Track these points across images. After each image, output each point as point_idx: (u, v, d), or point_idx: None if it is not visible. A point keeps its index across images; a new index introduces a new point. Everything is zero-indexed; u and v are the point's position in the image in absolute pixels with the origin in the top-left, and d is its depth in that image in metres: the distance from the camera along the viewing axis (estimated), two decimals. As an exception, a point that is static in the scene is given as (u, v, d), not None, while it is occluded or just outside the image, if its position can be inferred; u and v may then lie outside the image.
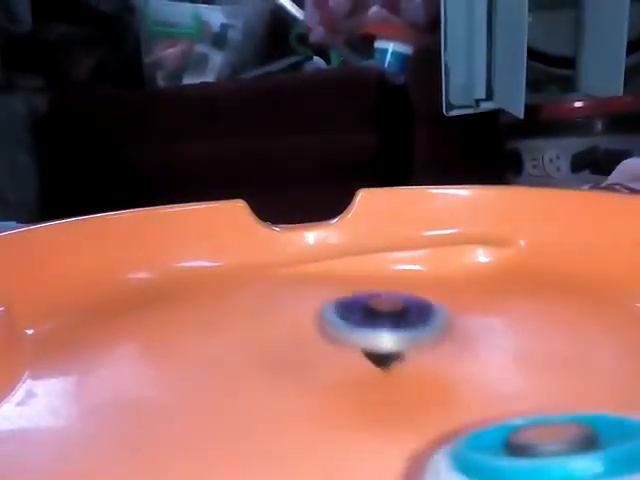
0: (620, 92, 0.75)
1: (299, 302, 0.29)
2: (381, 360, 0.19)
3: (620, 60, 0.73)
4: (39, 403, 0.20)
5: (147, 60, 1.30)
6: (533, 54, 0.80)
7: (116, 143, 1.17)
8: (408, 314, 0.19)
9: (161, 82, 1.30)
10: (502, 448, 0.12)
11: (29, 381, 0.21)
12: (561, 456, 0.10)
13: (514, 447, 0.11)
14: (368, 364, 0.19)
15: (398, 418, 0.18)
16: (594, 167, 0.82)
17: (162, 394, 0.21)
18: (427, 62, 0.96)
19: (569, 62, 0.86)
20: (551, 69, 0.89)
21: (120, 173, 1.16)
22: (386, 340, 0.18)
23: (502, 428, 0.12)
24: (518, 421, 0.12)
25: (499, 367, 0.22)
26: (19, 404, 0.20)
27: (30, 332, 0.25)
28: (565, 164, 0.84)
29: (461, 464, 0.11)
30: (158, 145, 1.15)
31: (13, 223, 0.43)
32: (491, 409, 0.17)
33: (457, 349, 0.21)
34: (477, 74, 0.84)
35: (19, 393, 0.20)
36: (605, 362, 0.22)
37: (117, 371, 0.23)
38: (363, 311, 0.19)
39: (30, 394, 0.20)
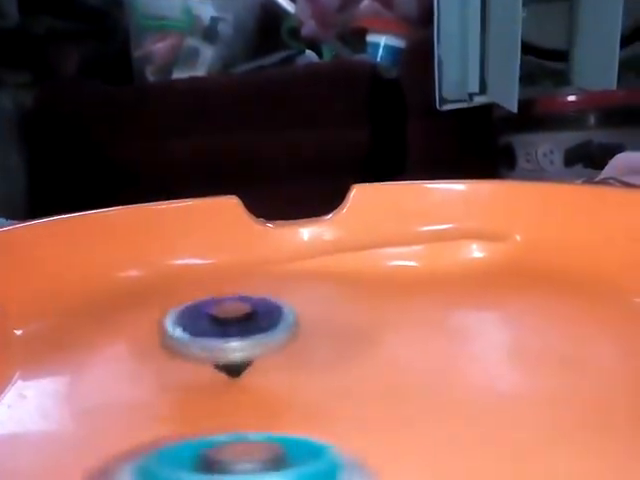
0: (614, 86, 0.75)
1: (294, 300, 0.29)
2: (231, 370, 0.18)
3: (614, 53, 0.73)
4: (30, 405, 0.20)
5: (136, 54, 1.29)
6: (527, 48, 0.80)
7: (105, 139, 1.16)
8: (255, 318, 0.18)
9: (151, 77, 1.29)
10: (194, 464, 0.11)
11: (19, 382, 0.21)
12: (252, 474, 0.11)
13: (207, 464, 0.11)
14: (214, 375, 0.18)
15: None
16: (587, 161, 0.82)
17: (155, 394, 0.21)
18: (420, 56, 0.96)
19: (563, 56, 0.86)
20: (545, 63, 0.89)
21: (109, 169, 1.15)
22: (234, 350, 0.17)
23: (196, 444, 0.12)
24: (213, 438, 0.12)
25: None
26: (9, 406, 0.19)
27: (20, 332, 0.25)
28: (558, 158, 0.84)
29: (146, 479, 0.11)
30: (148, 141, 1.15)
31: (2, 220, 0.43)
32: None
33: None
34: (470, 68, 0.83)
35: (9, 395, 0.20)
36: (600, 357, 0.22)
37: (109, 371, 0.23)
38: (207, 319, 0.18)
39: (20, 396, 0.20)
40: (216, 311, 0.18)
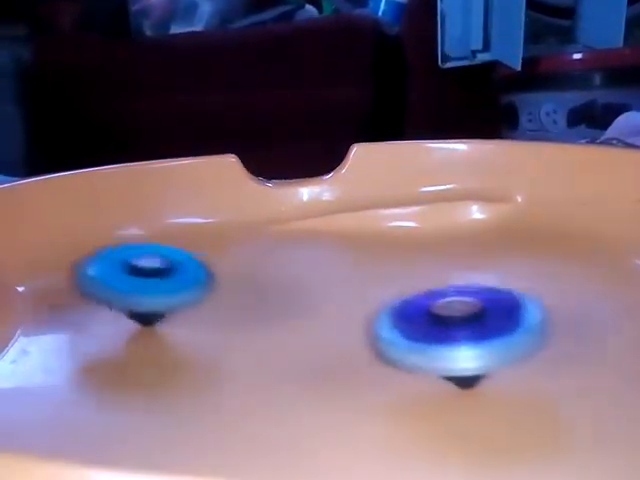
0: (620, 44, 0.74)
1: (294, 260, 0.29)
2: (459, 380, 0.15)
3: (621, 10, 0.72)
4: (33, 361, 0.20)
5: (134, 8, 1.26)
6: (531, 4, 0.78)
7: (102, 94, 1.14)
8: (489, 317, 0.15)
9: (148, 31, 1.26)
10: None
11: (22, 339, 0.21)
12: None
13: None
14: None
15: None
16: (591, 121, 0.81)
17: (156, 350, 0.21)
18: (422, 11, 0.94)
19: (568, 12, 0.84)
20: (550, 19, 0.87)
21: (106, 125, 1.14)
22: (465, 359, 0.14)
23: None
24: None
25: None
26: (13, 362, 0.20)
27: (21, 289, 0.25)
28: (562, 118, 0.83)
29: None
30: (145, 97, 1.13)
31: (1, 177, 0.42)
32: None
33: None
34: (474, 24, 0.82)
35: (12, 351, 0.20)
36: (600, 318, 0.22)
37: (110, 328, 0.23)
38: (427, 319, 0.15)
39: (23, 352, 0.20)
40: (437, 308, 0.15)
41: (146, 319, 0.20)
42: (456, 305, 0.15)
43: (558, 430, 0.15)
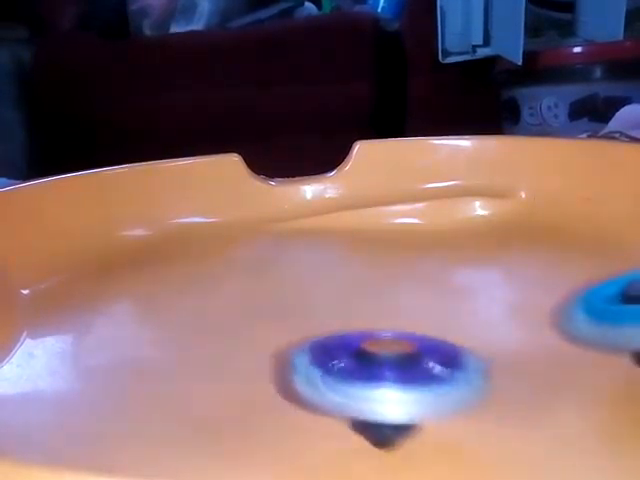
0: (620, 37, 0.74)
1: (297, 257, 0.29)
2: (380, 435, 0.12)
3: (621, 3, 0.71)
4: (38, 364, 0.20)
5: (133, 8, 1.26)
6: (532, -3, 0.78)
7: (102, 94, 1.14)
8: (421, 362, 0.13)
9: (148, 31, 1.26)
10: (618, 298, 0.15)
11: (27, 341, 0.21)
12: None
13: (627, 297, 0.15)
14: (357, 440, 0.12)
15: None
16: (593, 114, 0.80)
17: (161, 352, 0.21)
18: (422, 7, 0.94)
19: (568, 6, 0.84)
20: (550, 13, 0.87)
21: (107, 126, 1.14)
22: (391, 403, 0.12)
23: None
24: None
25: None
26: (19, 365, 0.20)
27: (26, 292, 0.25)
28: (563, 112, 0.82)
29: (588, 310, 0.15)
30: (146, 97, 1.13)
31: (4, 180, 0.42)
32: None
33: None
34: (474, 19, 0.81)
35: (18, 354, 0.20)
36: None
37: (115, 330, 0.23)
38: (353, 356, 0.13)
39: (29, 355, 0.20)
40: (366, 346, 0.13)
41: None
42: (388, 345, 0.13)
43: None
